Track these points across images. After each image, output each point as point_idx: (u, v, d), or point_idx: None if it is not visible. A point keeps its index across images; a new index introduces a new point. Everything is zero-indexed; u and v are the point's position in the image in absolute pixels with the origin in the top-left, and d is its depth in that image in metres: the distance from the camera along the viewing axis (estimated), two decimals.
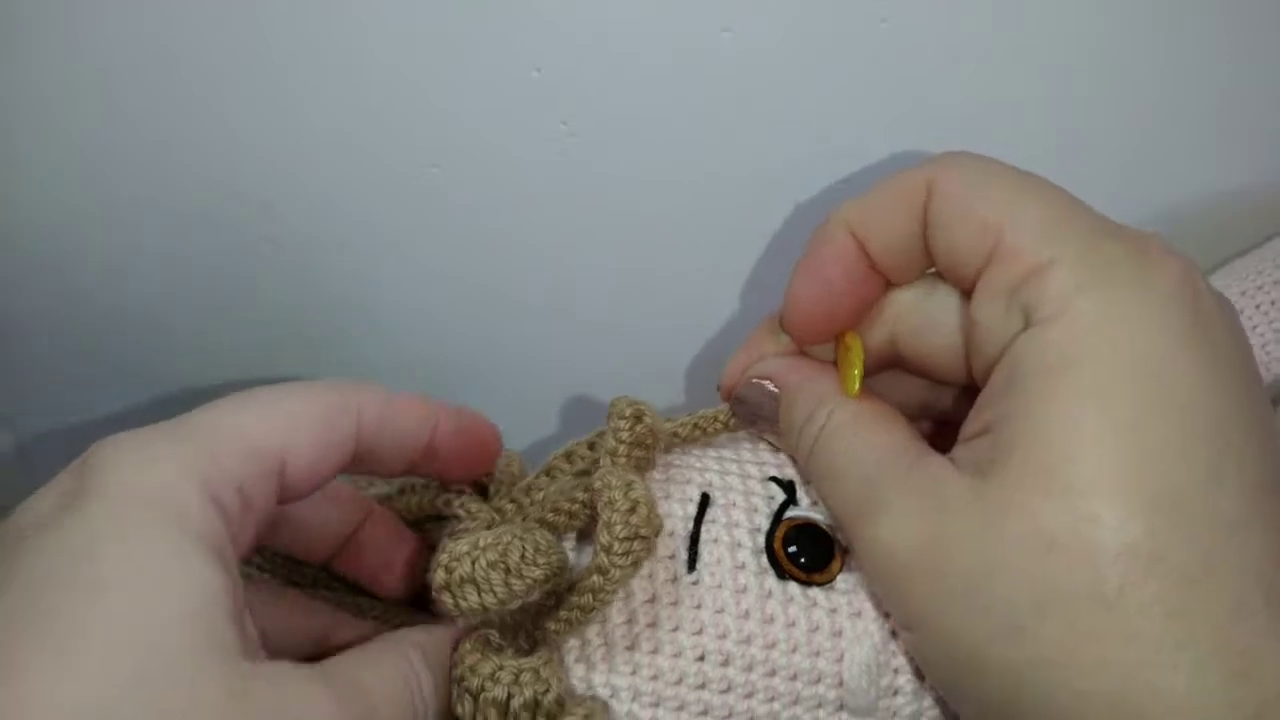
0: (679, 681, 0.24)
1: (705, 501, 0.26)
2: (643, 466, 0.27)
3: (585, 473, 0.28)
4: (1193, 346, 0.22)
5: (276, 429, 0.23)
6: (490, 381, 0.43)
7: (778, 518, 0.26)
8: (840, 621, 0.25)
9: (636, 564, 0.23)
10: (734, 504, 0.26)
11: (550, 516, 0.26)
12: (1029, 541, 0.21)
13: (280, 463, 0.23)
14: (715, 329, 0.40)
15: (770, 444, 0.29)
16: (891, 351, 0.28)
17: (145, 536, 0.20)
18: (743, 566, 0.25)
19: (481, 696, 0.23)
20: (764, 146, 0.35)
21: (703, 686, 0.24)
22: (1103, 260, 0.22)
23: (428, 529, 0.30)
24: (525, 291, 0.40)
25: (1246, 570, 0.21)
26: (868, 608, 0.25)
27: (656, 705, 0.24)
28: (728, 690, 0.24)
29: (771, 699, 0.24)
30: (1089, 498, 0.21)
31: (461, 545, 0.23)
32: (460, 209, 0.38)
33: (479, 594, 0.23)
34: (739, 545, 0.26)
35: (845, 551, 0.26)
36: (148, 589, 0.19)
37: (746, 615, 0.25)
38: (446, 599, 0.23)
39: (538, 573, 0.23)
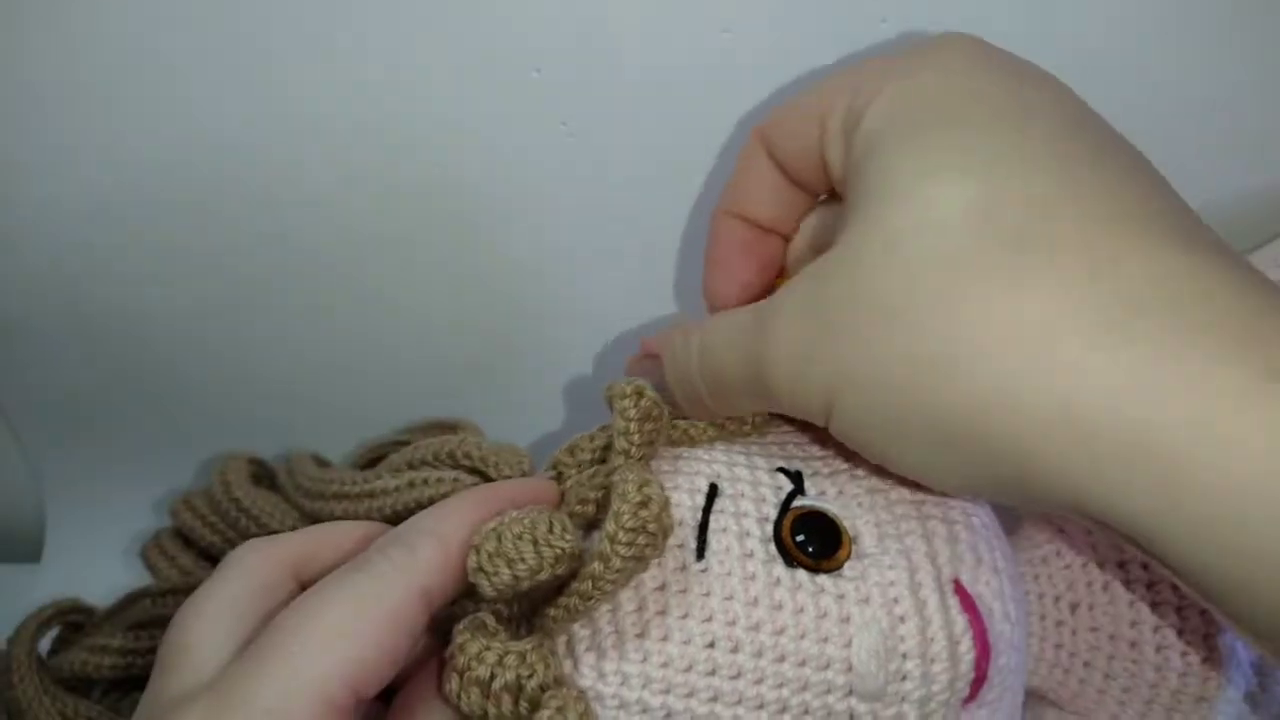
0: (689, 668, 0.24)
1: (713, 492, 0.27)
2: (655, 440, 0.27)
3: (599, 461, 0.28)
4: (997, 76, 0.23)
5: (341, 663, 0.22)
6: (493, 378, 0.43)
7: (785, 507, 0.26)
8: (848, 607, 0.25)
9: (639, 559, 0.23)
10: (742, 494, 0.27)
11: (577, 509, 0.26)
12: (887, 249, 0.22)
13: (352, 697, 0.22)
14: None
15: (778, 437, 0.29)
16: None
17: None
18: (751, 554, 0.25)
19: (466, 675, 0.23)
20: None
21: (712, 673, 0.24)
22: (899, 60, 0.24)
23: None
24: (525, 290, 0.40)
25: (1115, 187, 0.21)
26: (875, 594, 0.25)
27: (667, 692, 0.24)
28: (737, 676, 0.24)
29: (780, 684, 0.24)
30: (921, 186, 0.21)
31: (487, 525, 0.24)
32: (460, 209, 0.38)
33: (509, 566, 0.23)
34: (747, 534, 0.26)
35: (853, 540, 0.26)
36: None
37: (755, 602, 0.25)
38: (481, 580, 0.23)
39: (565, 544, 0.23)
